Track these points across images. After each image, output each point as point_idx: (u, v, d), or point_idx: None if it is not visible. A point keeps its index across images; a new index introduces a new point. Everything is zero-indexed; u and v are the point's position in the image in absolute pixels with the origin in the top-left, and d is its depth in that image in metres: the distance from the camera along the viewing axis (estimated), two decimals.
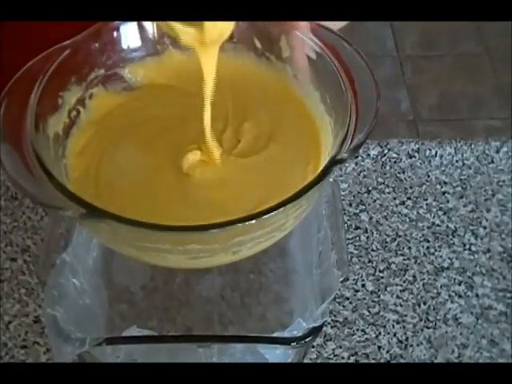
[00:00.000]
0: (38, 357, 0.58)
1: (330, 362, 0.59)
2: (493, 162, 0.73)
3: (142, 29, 0.52)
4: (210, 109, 0.46)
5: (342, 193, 0.69)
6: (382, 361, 0.59)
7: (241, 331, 0.56)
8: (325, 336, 0.60)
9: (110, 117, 0.52)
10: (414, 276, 0.64)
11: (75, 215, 0.41)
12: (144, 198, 0.46)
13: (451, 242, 0.67)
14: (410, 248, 0.66)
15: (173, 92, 0.52)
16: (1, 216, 0.66)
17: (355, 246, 0.66)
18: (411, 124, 1.66)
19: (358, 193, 0.70)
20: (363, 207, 0.69)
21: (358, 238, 0.67)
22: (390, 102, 1.66)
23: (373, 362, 0.59)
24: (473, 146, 0.74)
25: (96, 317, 0.53)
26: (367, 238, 0.67)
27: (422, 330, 0.61)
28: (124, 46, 0.52)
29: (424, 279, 0.64)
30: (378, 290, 0.63)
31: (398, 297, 0.63)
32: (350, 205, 0.69)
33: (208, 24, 0.43)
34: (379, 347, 0.60)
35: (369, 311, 0.62)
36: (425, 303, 0.62)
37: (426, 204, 0.70)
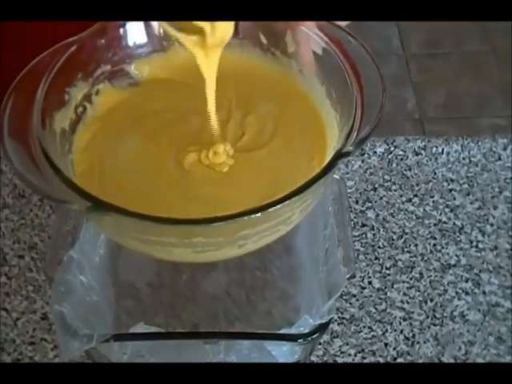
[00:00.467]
0: (46, 353, 0.58)
1: (337, 358, 0.59)
2: (500, 159, 0.73)
3: (147, 25, 0.53)
4: (214, 110, 0.47)
5: (349, 190, 0.69)
6: (388, 358, 0.59)
7: (247, 328, 0.56)
8: (331, 333, 0.60)
9: (115, 112, 0.52)
10: (421, 273, 0.64)
11: (81, 208, 0.41)
12: (147, 192, 0.47)
13: (458, 239, 0.67)
14: (416, 245, 0.66)
15: (177, 86, 0.52)
16: (8, 213, 0.66)
17: (362, 243, 0.66)
18: (417, 122, 1.66)
19: (365, 190, 0.70)
20: (370, 204, 0.69)
21: (364, 235, 0.67)
22: (395, 100, 1.66)
23: (379, 359, 0.59)
24: (480, 143, 0.74)
25: (103, 313, 0.53)
26: (374, 235, 0.67)
27: (429, 327, 0.61)
28: (130, 42, 0.52)
29: (431, 276, 0.64)
30: (385, 287, 0.63)
31: (404, 294, 0.63)
32: (357, 202, 0.69)
33: (209, 29, 0.43)
34: (386, 344, 0.60)
35: (375, 308, 0.62)
36: (432, 300, 0.62)
37: (433, 201, 0.69)
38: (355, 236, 0.66)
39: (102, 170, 0.48)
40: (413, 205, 0.69)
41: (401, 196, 0.70)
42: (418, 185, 0.71)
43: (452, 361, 0.59)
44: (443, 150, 0.73)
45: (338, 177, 0.57)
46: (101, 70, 0.51)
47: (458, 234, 0.67)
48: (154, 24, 0.53)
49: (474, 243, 0.66)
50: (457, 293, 0.63)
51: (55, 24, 0.48)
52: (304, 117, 0.51)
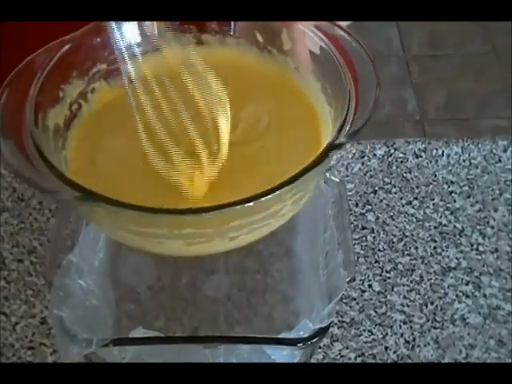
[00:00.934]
0: (45, 358, 0.58)
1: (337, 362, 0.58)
2: (500, 161, 0.73)
3: (143, 24, 0.52)
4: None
5: (349, 193, 0.69)
6: (389, 361, 0.59)
7: (247, 331, 0.56)
8: (331, 337, 0.60)
9: (109, 108, 0.52)
10: (421, 276, 0.64)
11: (70, 198, 0.41)
12: (140, 187, 0.47)
13: (458, 241, 0.66)
14: (416, 248, 0.66)
15: (172, 83, 0.52)
16: (7, 217, 0.66)
17: (362, 246, 0.66)
18: (418, 124, 1.66)
19: (365, 193, 0.70)
20: (370, 207, 0.69)
21: (364, 238, 0.66)
22: (396, 101, 1.65)
23: (380, 362, 0.58)
24: (480, 145, 0.73)
25: (102, 317, 0.53)
26: (374, 238, 0.66)
27: (430, 331, 0.60)
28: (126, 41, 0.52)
29: (431, 279, 0.64)
30: (385, 291, 0.63)
31: (405, 297, 0.62)
32: (357, 205, 0.69)
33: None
34: (386, 348, 0.59)
35: (376, 312, 0.62)
36: (432, 303, 0.62)
37: (433, 204, 0.69)
38: (355, 239, 0.66)
39: (95, 165, 0.48)
40: (413, 207, 0.69)
41: (401, 199, 0.70)
42: (418, 187, 0.70)
43: None
44: (443, 152, 0.73)
45: (337, 179, 0.57)
46: (97, 68, 0.51)
47: (458, 236, 0.67)
48: (149, 23, 0.53)
49: (475, 246, 0.66)
50: (457, 296, 0.63)
51: (55, 24, 0.48)
52: (299, 112, 0.51)
